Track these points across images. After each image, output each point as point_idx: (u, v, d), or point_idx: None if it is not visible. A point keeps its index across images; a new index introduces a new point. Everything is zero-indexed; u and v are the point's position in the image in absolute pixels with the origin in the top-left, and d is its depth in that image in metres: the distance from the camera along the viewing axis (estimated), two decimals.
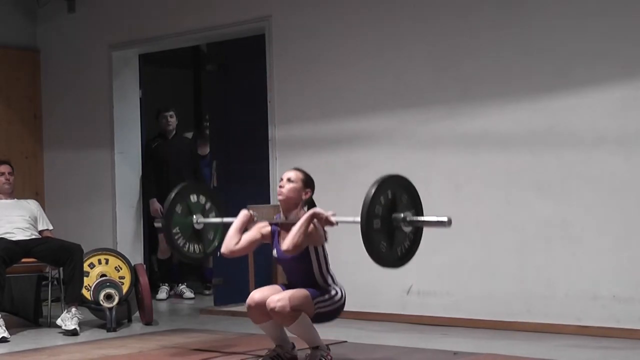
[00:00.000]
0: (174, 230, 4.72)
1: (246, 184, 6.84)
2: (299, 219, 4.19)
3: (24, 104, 7.93)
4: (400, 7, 5.99)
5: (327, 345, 4.36)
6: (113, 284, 5.89)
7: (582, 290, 5.25)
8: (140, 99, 7.79)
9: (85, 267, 5.97)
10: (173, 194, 4.75)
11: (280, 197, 4.36)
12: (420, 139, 5.88)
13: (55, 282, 6.09)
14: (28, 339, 5.60)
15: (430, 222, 4.12)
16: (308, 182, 4.38)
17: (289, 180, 4.35)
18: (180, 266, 7.97)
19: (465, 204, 5.68)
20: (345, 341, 5.08)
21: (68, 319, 5.64)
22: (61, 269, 5.92)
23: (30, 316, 6.26)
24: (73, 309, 5.69)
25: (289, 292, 4.18)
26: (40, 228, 6.20)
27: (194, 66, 9.54)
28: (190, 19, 7.02)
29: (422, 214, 4.15)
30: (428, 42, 5.83)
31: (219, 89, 7.28)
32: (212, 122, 7.70)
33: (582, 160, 5.27)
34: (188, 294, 7.72)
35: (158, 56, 7.92)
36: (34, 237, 6.05)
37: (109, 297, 5.81)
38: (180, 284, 7.79)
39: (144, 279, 6.12)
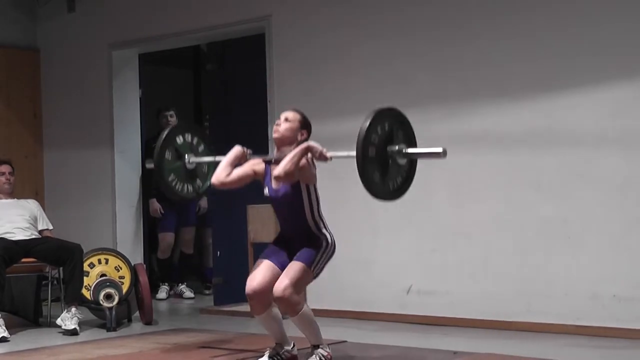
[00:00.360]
0: (169, 176, 4.73)
1: (247, 184, 6.83)
2: None
3: (24, 104, 7.93)
4: (400, 6, 5.99)
5: (327, 344, 4.36)
6: (113, 284, 5.89)
7: (581, 290, 5.25)
8: (140, 98, 7.79)
9: (85, 267, 5.97)
10: (164, 135, 4.73)
11: (275, 135, 4.33)
12: (420, 139, 5.84)
13: (55, 282, 6.09)
14: (28, 339, 5.60)
15: (426, 153, 4.14)
16: (305, 124, 4.37)
17: (286, 119, 4.35)
18: (180, 266, 7.97)
19: (465, 204, 5.68)
20: (345, 341, 5.08)
21: (68, 319, 5.64)
22: (61, 268, 5.92)
23: (30, 316, 6.26)
24: (73, 309, 5.69)
25: (289, 276, 4.14)
26: (40, 228, 6.20)
27: (194, 66, 9.53)
28: (190, 18, 7.02)
29: (415, 146, 4.16)
30: (428, 41, 5.83)
31: (219, 89, 7.28)
32: (212, 121, 7.70)
33: (582, 160, 5.27)
34: (188, 293, 7.72)
35: (158, 56, 7.92)
36: (33, 236, 6.05)
37: (108, 296, 5.81)
38: (180, 284, 7.79)
39: (143, 279, 6.12)
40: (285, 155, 4.19)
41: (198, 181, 4.89)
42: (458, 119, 5.72)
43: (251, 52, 6.93)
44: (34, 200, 6.49)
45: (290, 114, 4.37)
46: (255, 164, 4.44)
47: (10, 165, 6.31)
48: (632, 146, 5.11)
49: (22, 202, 6.31)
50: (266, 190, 4.36)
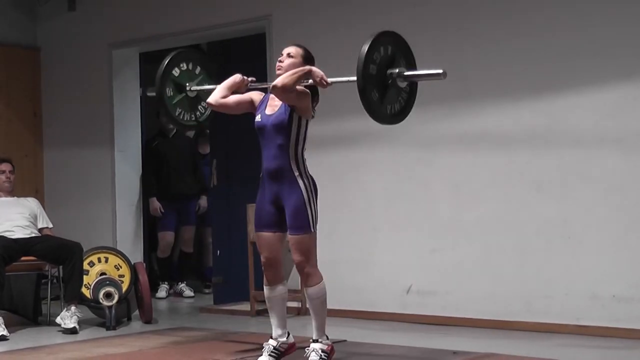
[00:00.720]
0: (170, 100, 4.74)
1: (246, 183, 6.82)
2: None
3: (24, 103, 7.93)
4: (399, 5, 5.99)
5: (328, 337, 4.36)
6: (112, 283, 5.89)
7: (581, 290, 5.25)
8: (140, 97, 7.79)
9: (85, 266, 5.97)
10: (166, 61, 4.73)
11: (279, 72, 4.29)
12: (420, 139, 5.88)
13: (55, 280, 6.09)
14: (27, 338, 5.60)
15: (425, 74, 4.14)
16: (308, 58, 4.35)
17: (288, 55, 4.33)
18: (179, 265, 7.98)
19: (465, 204, 5.68)
20: (345, 340, 5.08)
21: (67, 318, 5.64)
22: (61, 267, 5.92)
23: (29, 314, 6.25)
24: (72, 308, 5.69)
25: (300, 251, 4.21)
26: (40, 226, 6.20)
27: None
28: (190, 18, 7.02)
29: (415, 69, 4.16)
30: (427, 41, 5.82)
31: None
32: (212, 120, 7.68)
33: (582, 160, 5.27)
34: (188, 292, 7.72)
35: (158, 55, 7.90)
36: (33, 235, 6.05)
37: (108, 295, 5.81)
38: (179, 283, 7.79)
39: (143, 278, 6.12)
40: None
41: (199, 109, 4.90)
42: (458, 119, 5.72)
43: (251, 51, 6.93)
44: (34, 199, 6.49)
45: (292, 49, 4.34)
46: (254, 93, 4.45)
47: (11, 163, 6.31)
48: (632, 147, 5.11)
49: (22, 200, 6.31)
50: (258, 117, 4.33)
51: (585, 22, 5.27)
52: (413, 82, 4.20)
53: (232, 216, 6.89)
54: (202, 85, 4.88)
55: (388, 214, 5.99)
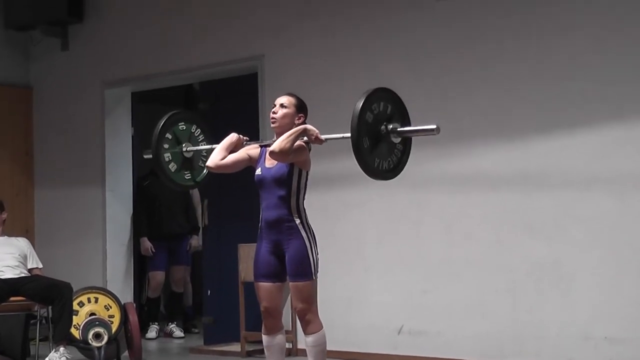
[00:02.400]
0: (165, 159, 4.71)
1: (237, 222, 6.82)
2: None
3: (16, 141, 7.93)
4: (392, 47, 6.03)
5: None
6: (102, 323, 5.84)
7: (574, 331, 5.23)
8: (132, 136, 7.79)
9: (75, 306, 5.93)
10: (161, 123, 4.72)
11: (273, 124, 4.31)
12: (412, 179, 5.86)
13: (44, 321, 6.04)
14: None
15: (419, 130, 4.16)
16: (301, 107, 4.36)
17: (281, 105, 4.33)
18: (170, 305, 7.93)
19: (457, 244, 5.68)
20: None
21: (56, 359, 5.58)
22: (50, 307, 5.87)
23: (17, 355, 6.19)
24: (61, 348, 5.64)
25: (301, 298, 4.20)
26: (29, 266, 6.17)
27: (186, 104, 9.55)
28: (183, 57, 7.05)
29: (409, 125, 4.18)
30: (420, 81, 5.86)
31: (211, 127, 7.27)
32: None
33: (574, 200, 5.28)
34: (178, 333, 7.66)
35: (150, 94, 7.94)
36: (23, 275, 6.01)
37: (97, 336, 5.76)
38: (169, 323, 7.74)
39: (133, 318, 6.07)
40: None
41: (196, 170, 4.88)
42: (450, 160, 5.74)
43: (243, 91, 6.96)
44: (24, 238, 6.46)
45: (285, 99, 4.35)
46: (250, 149, 4.44)
47: (1, 203, 6.29)
48: (623, 188, 5.13)
49: (13, 240, 6.28)
50: (258, 170, 4.33)
51: (575, 64, 5.31)
52: (407, 139, 4.19)
53: (223, 256, 6.86)
54: (198, 144, 4.86)
55: (379, 254, 5.98)
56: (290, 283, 4.26)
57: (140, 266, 7.90)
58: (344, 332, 6.04)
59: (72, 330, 5.86)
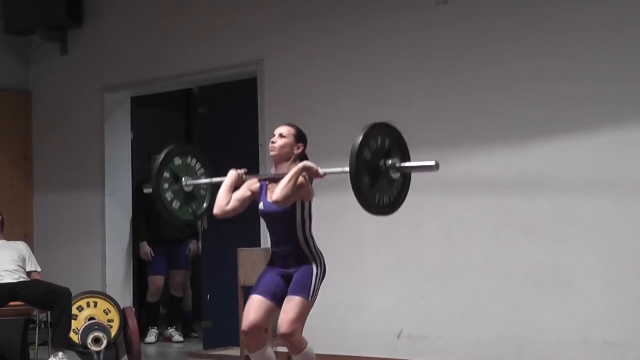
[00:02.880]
0: (168, 199, 4.68)
1: (236, 226, 6.81)
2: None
3: (15, 146, 7.93)
4: (391, 50, 6.03)
5: None
6: (101, 327, 5.84)
7: (572, 335, 5.23)
8: (131, 141, 7.80)
9: (74, 310, 5.92)
10: (161, 157, 4.70)
11: (272, 153, 4.32)
12: (412, 182, 5.86)
13: (43, 326, 6.03)
14: None
15: (418, 167, 4.17)
16: (300, 137, 4.38)
17: (280, 135, 4.33)
18: (169, 309, 7.92)
19: (456, 248, 5.68)
20: None
21: None
22: (49, 312, 5.87)
23: None
24: (60, 353, 5.63)
25: (291, 312, 4.13)
26: (28, 269, 6.16)
27: (185, 108, 9.56)
28: (182, 62, 7.06)
29: (409, 160, 4.18)
30: (419, 84, 5.87)
31: (211, 132, 7.30)
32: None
33: (572, 204, 5.28)
34: (177, 337, 7.66)
35: (150, 98, 7.94)
36: (21, 279, 6.00)
37: (97, 340, 5.76)
38: (169, 327, 7.74)
39: (132, 322, 6.07)
40: (282, 173, 4.20)
41: (196, 203, 4.87)
42: (449, 164, 5.72)
43: (242, 95, 6.97)
44: (22, 242, 6.45)
45: (284, 130, 4.36)
46: (251, 184, 4.43)
47: None
48: (622, 192, 5.13)
49: (11, 243, 6.27)
50: (261, 205, 4.33)
51: (574, 69, 5.31)
52: (406, 174, 4.20)
53: (223, 260, 6.86)
54: (196, 174, 4.85)
55: (378, 258, 5.98)
56: (287, 296, 4.21)
57: (140, 270, 7.89)
58: (342, 336, 6.04)
59: (71, 334, 5.85)
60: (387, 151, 4.11)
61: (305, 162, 4.23)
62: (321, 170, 4.22)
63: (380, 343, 5.94)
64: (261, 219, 4.52)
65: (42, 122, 8.00)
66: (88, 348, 5.75)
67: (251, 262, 6.10)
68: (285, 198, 4.10)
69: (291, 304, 4.18)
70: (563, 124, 5.34)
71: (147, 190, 4.81)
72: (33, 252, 6.43)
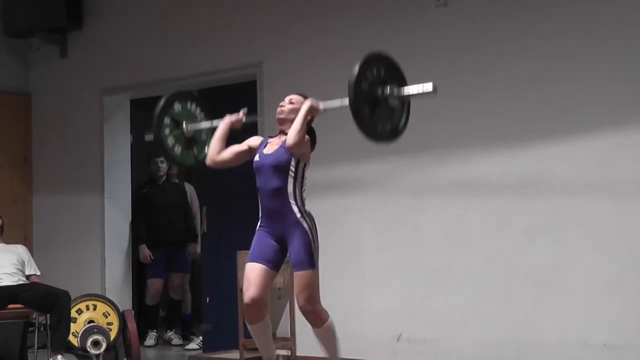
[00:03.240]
0: (170, 144, 4.73)
1: (236, 230, 6.81)
2: None
3: (15, 148, 7.93)
4: (391, 51, 5.96)
5: None
6: (101, 330, 5.84)
7: (572, 338, 5.22)
8: (131, 144, 7.79)
9: (73, 313, 5.93)
10: (161, 104, 4.74)
11: (280, 116, 4.38)
12: (411, 185, 5.88)
13: (42, 329, 6.02)
14: None
15: (417, 92, 4.17)
16: None
17: (290, 101, 4.41)
18: (168, 312, 7.91)
19: (455, 250, 5.67)
20: None
21: None
22: (48, 315, 5.86)
23: None
24: (59, 356, 5.63)
25: (304, 288, 4.19)
26: (27, 273, 6.16)
27: None
28: (181, 64, 7.05)
29: (406, 87, 4.20)
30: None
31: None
32: (202, 168, 7.69)
33: (572, 206, 5.28)
34: (176, 340, 7.65)
35: (150, 101, 7.92)
36: (21, 282, 6.00)
37: (96, 343, 5.76)
38: (168, 330, 7.73)
39: (132, 325, 6.07)
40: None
41: (198, 148, 4.90)
42: (448, 166, 5.74)
43: (241, 98, 6.96)
44: (22, 245, 6.45)
45: (294, 97, 4.44)
46: (251, 140, 4.46)
47: None
48: (622, 194, 5.12)
49: (11, 247, 6.28)
50: (257, 157, 4.35)
51: (574, 70, 5.31)
52: (404, 101, 4.22)
53: (222, 263, 6.85)
54: (197, 119, 4.89)
55: (378, 261, 5.97)
56: (295, 273, 4.25)
57: (139, 273, 7.89)
58: (342, 339, 5.99)
59: (71, 337, 5.86)
60: (384, 80, 4.13)
61: (307, 104, 4.27)
62: (321, 105, 4.29)
63: (379, 346, 5.93)
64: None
65: (41, 124, 7.99)
66: (87, 351, 5.75)
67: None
68: (299, 141, 4.16)
69: (301, 280, 4.21)
70: (563, 126, 5.33)
71: (149, 137, 4.82)
72: (32, 255, 6.44)
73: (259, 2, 6.69)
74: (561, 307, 5.27)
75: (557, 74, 5.37)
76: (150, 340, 7.56)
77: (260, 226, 4.36)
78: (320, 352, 5.99)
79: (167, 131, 4.73)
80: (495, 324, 5.49)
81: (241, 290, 6.16)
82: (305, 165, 4.33)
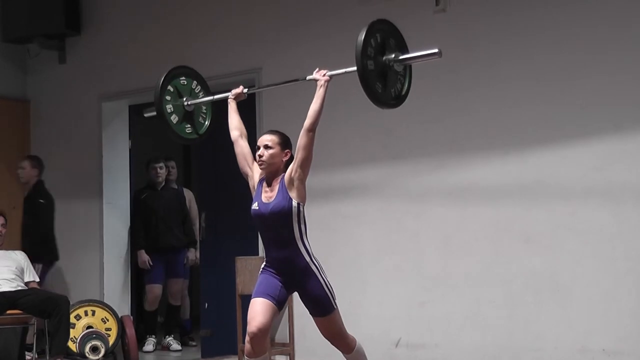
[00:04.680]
0: (168, 111, 4.79)
1: (234, 236, 6.82)
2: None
3: (13, 154, 7.92)
4: None
5: None
6: (99, 336, 5.84)
7: (571, 343, 5.22)
8: (129, 149, 7.80)
9: (72, 319, 5.93)
10: (162, 80, 4.79)
11: (262, 167, 4.35)
12: (410, 191, 5.89)
13: (41, 334, 6.02)
14: None
15: (421, 55, 4.22)
16: (285, 143, 4.40)
17: (266, 147, 4.37)
18: (167, 318, 7.91)
19: (454, 256, 5.68)
20: None
21: None
22: (47, 320, 5.86)
23: None
24: None
25: (332, 332, 4.28)
26: (26, 279, 6.16)
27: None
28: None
29: (407, 51, 4.27)
30: (418, 94, 5.85)
31: (208, 140, 7.28)
32: (201, 173, 7.70)
33: (570, 212, 5.29)
34: (175, 346, 7.64)
35: (148, 107, 7.92)
36: (19, 288, 6.00)
37: (95, 349, 5.76)
38: (167, 336, 7.72)
39: (130, 331, 6.07)
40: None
41: (197, 125, 4.91)
42: (447, 172, 5.75)
43: (240, 103, 6.95)
44: (21, 252, 6.45)
45: (268, 140, 4.39)
46: (255, 168, 4.47)
47: (4, 217, 6.30)
48: (620, 199, 5.13)
49: (10, 253, 6.28)
50: (255, 205, 4.30)
51: (572, 74, 5.33)
52: (407, 66, 4.30)
53: (221, 269, 6.85)
54: (198, 97, 4.95)
55: (377, 267, 5.98)
56: (317, 319, 4.27)
57: (138, 279, 7.89)
58: None
59: (69, 343, 5.85)
60: (388, 46, 4.21)
61: (324, 84, 4.32)
62: (328, 74, 4.34)
63: (378, 351, 5.93)
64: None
65: (40, 130, 8.00)
66: (86, 357, 5.75)
67: (249, 270, 6.10)
68: (317, 120, 4.23)
69: (325, 323, 4.26)
70: (561, 133, 5.34)
71: (150, 113, 4.86)
72: (31, 261, 6.43)
73: (257, 8, 6.70)
74: (560, 313, 5.28)
75: (556, 80, 5.38)
76: (148, 345, 7.54)
77: (265, 268, 4.31)
78: (320, 358, 6.02)
79: (169, 106, 4.77)
80: (493, 329, 5.49)
81: (239, 295, 6.20)
82: (303, 207, 4.28)
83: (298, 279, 4.21)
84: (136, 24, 7.42)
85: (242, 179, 6.90)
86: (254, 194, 4.37)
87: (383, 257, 5.98)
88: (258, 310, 4.15)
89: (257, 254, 6.37)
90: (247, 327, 4.15)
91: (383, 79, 4.18)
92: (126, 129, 7.76)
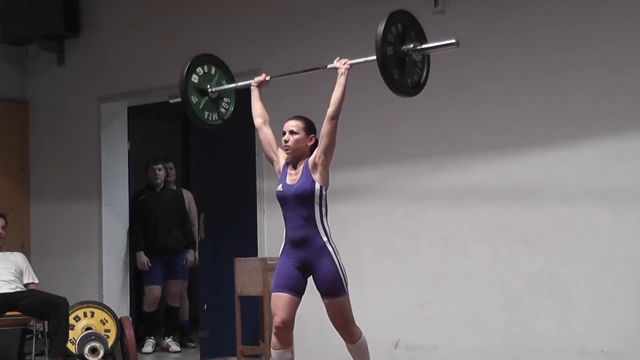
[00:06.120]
0: (193, 101, 4.87)
1: (234, 237, 6.82)
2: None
3: (12, 156, 7.92)
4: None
5: None
6: (98, 337, 5.84)
7: (570, 345, 5.22)
8: (128, 151, 7.80)
9: (71, 320, 5.93)
10: (187, 67, 4.89)
11: (288, 152, 4.45)
12: (409, 193, 5.89)
13: (40, 336, 6.02)
14: None
15: (440, 45, 4.31)
16: (310, 128, 4.52)
17: (291, 132, 4.47)
18: (166, 319, 7.91)
19: (453, 257, 5.68)
20: None
21: None
22: (46, 322, 5.86)
23: None
24: None
25: (339, 315, 4.33)
26: (25, 281, 6.16)
27: (182, 119, 9.56)
28: (178, 72, 7.03)
29: (425, 41, 4.36)
30: (416, 96, 5.87)
31: (208, 141, 7.29)
32: (201, 174, 7.71)
33: (570, 214, 5.29)
34: (174, 347, 7.64)
35: (147, 109, 7.94)
36: (19, 289, 6.00)
37: (94, 350, 5.76)
38: (166, 337, 7.72)
39: (129, 332, 6.07)
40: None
41: (222, 108, 5.01)
42: (446, 174, 5.75)
43: (239, 104, 6.96)
44: (20, 253, 6.45)
45: (294, 126, 4.50)
46: (280, 153, 4.56)
47: (5, 219, 6.30)
48: (619, 201, 5.14)
49: (9, 254, 6.28)
50: (280, 187, 4.41)
51: (572, 75, 5.33)
52: (425, 56, 4.40)
53: (220, 270, 6.85)
54: (221, 84, 5.04)
55: (376, 268, 5.98)
56: (326, 301, 4.33)
57: (137, 280, 7.88)
58: (340, 346, 6.02)
59: (68, 344, 5.86)
60: (407, 36, 4.29)
61: (343, 65, 4.44)
62: (348, 63, 4.45)
63: (377, 353, 5.92)
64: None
65: (39, 132, 8.00)
66: (85, 358, 5.75)
67: (248, 272, 6.10)
68: (340, 107, 4.35)
69: (335, 307, 4.33)
70: (560, 134, 5.35)
71: (175, 100, 4.92)
72: (30, 263, 6.43)
73: (255, 9, 6.71)
74: (559, 314, 5.28)
75: (555, 81, 5.38)
76: (147, 347, 7.54)
77: (283, 252, 4.41)
78: (318, 357, 6.02)
79: (193, 94, 4.85)
80: (492, 331, 5.49)
81: (239, 297, 6.20)
82: (326, 190, 4.39)
83: (313, 257, 4.31)
84: (135, 25, 7.42)
85: (241, 180, 6.93)
86: (278, 177, 4.48)
87: (381, 259, 5.98)
88: (280, 306, 4.31)
89: (256, 256, 6.37)
90: (273, 321, 4.33)
91: (401, 67, 4.27)
92: (125, 130, 7.76)
